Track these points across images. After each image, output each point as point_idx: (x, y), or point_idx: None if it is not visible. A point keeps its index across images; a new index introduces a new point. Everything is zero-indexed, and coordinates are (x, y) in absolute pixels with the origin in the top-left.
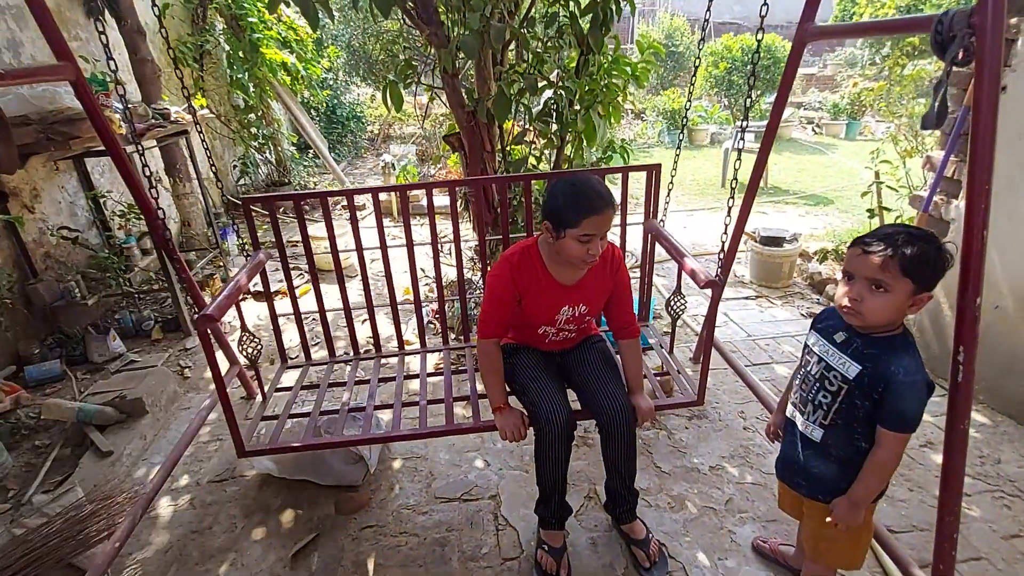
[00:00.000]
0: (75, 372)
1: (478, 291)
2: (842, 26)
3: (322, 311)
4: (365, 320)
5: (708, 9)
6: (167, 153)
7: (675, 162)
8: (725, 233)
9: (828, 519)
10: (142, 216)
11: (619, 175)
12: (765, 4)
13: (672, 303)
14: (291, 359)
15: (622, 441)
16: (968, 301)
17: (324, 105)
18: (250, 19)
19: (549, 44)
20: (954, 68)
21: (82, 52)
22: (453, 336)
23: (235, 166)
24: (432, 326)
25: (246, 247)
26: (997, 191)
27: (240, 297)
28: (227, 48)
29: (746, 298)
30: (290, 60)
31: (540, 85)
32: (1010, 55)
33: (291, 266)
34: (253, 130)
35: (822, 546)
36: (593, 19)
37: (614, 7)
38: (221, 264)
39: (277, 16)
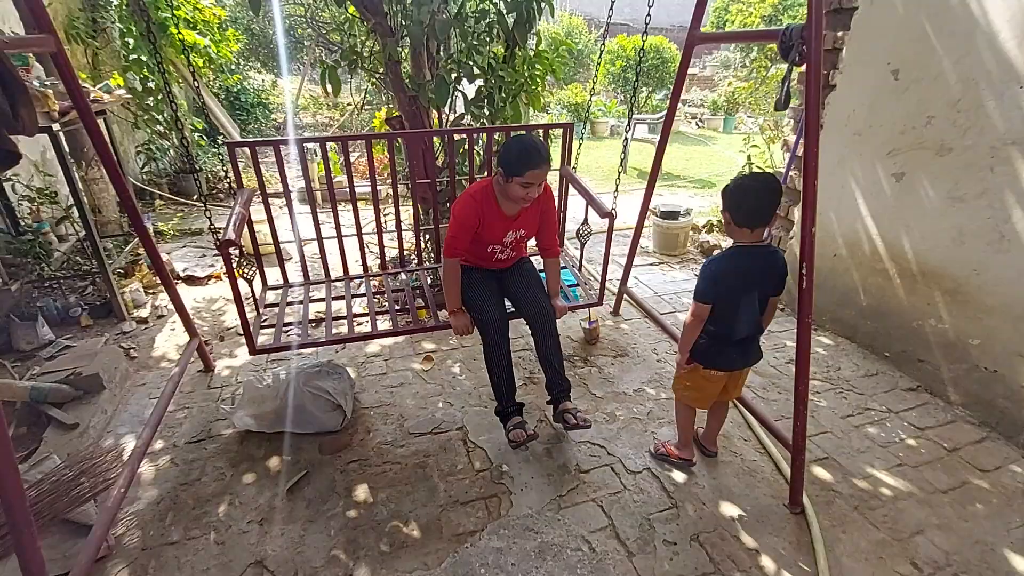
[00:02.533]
0: (3, 360)
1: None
2: (721, 33)
3: (295, 233)
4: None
5: (610, 10)
6: (72, 136)
7: (578, 153)
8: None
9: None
10: (55, 202)
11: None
12: (649, 13)
13: (580, 231)
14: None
15: (548, 335)
16: (806, 230)
17: (227, 91)
18: None
19: (480, 37)
20: (793, 67)
21: None
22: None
23: (138, 152)
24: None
25: (228, 182)
26: (831, 167)
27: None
28: (121, 27)
29: (651, 264)
30: (204, 42)
31: (475, 73)
32: (838, 60)
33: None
34: (155, 115)
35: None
36: (518, 16)
37: (535, 7)
38: (139, 251)
39: None
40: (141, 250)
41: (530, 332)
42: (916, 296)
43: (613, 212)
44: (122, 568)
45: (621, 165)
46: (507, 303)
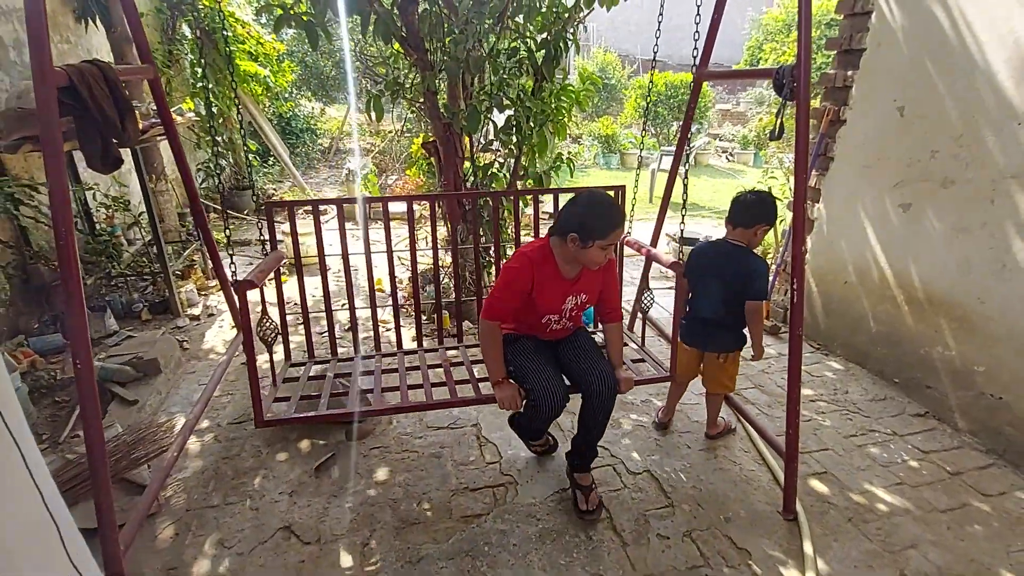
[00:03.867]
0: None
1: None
2: (725, 71)
3: (328, 309)
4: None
5: (655, 47)
6: (145, 152)
7: (632, 215)
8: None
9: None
10: (127, 209)
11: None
12: (656, 47)
13: (644, 299)
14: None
15: (604, 406)
16: (798, 249)
17: (280, 117)
18: (225, 32)
19: (511, 71)
20: (786, 103)
21: (72, 54)
22: (447, 336)
23: (198, 169)
24: (429, 326)
25: (265, 246)
26: (842, 197)
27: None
28: (191, 57)
29: (669, 288)
30: (264, 72)
31: (504, 104)
32: (848, 98)
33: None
34: (215, 136)
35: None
36: (546, 54)
37: (563, 45)
38: (194, 257)
39: (248, 31)
40: (196, 256)
41: (584, 407)
42: (924, 323)
43: (680, 262)
44: (169, 524)
45: (652, 200)
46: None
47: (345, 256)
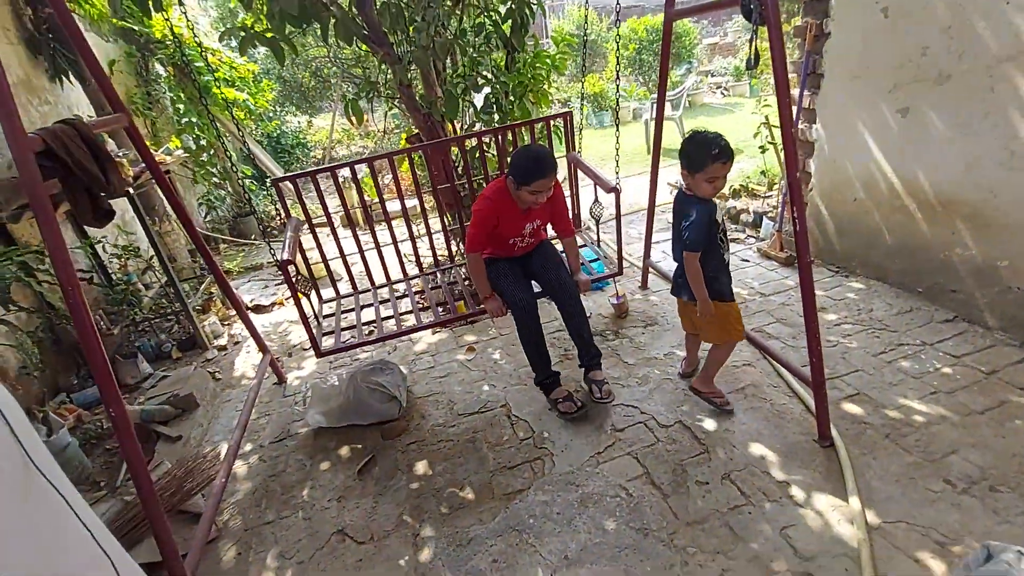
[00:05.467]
0: None
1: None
2: (692, 7)
3: (341, 253)
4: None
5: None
6: (144, 197)
7: (580, 138)
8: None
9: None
10: (138, 255)
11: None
12: None
13: (592, 209)
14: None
15: (573, 308)
16: (792, 175)
17: (268, 136)
18: (196, 64)
19: (480, 49)
20: (757, 27)
21: (53, 114)
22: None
23: (200, 203)
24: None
25: (279, 218)
26: (838, 113)
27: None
28: (170, 94)
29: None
30: (242, 97)
31: (480, 83)
32: (829, 9)
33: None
34: (210, 168)
35: (704, 328)
36: (513, 24)
37: (528, 11)
38: (212, 290)
39: (219, 58)
40: (213, 288)
41: (558, 309)
42: (939, 227)
43: (617, 187)
44: (230, 545)
45: (650, 150)
46: (535, 286)
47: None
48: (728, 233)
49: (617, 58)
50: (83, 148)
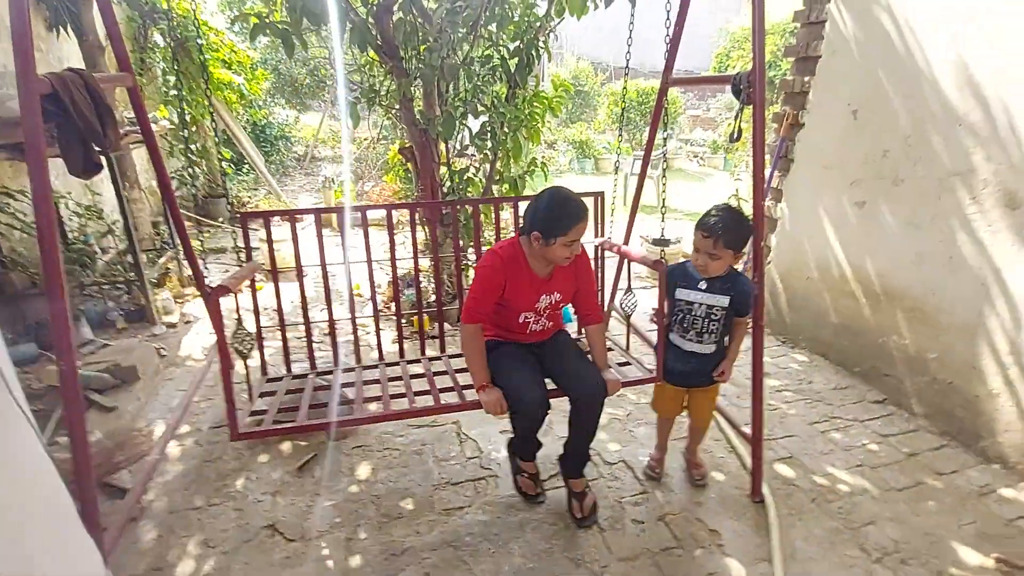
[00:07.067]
0: (49, 354)
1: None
2: (689, 78)
3: (306, 318)
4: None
5: (628, 55)
6: (119, 161)
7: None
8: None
9: (719, 376)
10: (100, 218)
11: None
12: (628, 54)
13: (624, 303)
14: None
15: (593, 411)
16: (757, 244)
17: (254, 124)
18: (198, 41)
19: (485, 78)
20: (744, 106)
21: (43, 62)
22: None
23: (172, 177)
24: (409, 328)
25: (239, 255)
26: (804, 197)
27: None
28: (163, 65)
29: (643, 288)
30: (237, 81)
31: (479, 109)
32: (806, 102)
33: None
34: (190, 145)
35: (706, 415)
36: (519, 61)
37: (535, 53)
38: (169, 265)
39: (220, 39)
40: (171, 264)
41: (571, 412)
42: (881, 315)
43: (664, 259)
44: (152, 527)
45: (626, 203)
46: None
47: (323, 262)
48: None
49: (622, 112)
50: (87, 98)
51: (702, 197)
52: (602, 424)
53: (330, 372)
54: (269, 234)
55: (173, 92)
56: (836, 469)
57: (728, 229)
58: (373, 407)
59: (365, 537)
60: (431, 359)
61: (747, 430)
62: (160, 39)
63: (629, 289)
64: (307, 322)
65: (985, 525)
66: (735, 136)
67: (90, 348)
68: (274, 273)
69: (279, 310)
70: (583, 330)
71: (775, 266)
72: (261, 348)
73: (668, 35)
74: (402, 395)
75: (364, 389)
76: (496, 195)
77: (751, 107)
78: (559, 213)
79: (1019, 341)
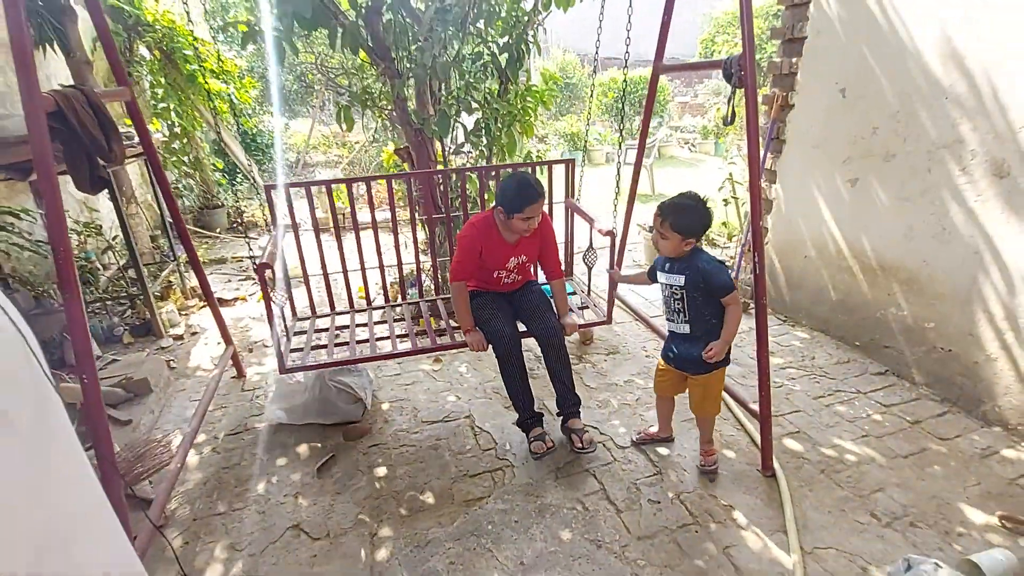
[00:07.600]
0: (60, 372)
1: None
2: (679, 64)
3: (325, 273)
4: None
5: (597, 42)
6: (116, 176)
7: (580, 186)
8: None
9: (705, 354)
10: (100, 234)
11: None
12: (627, 50)
13: (587, 256)
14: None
15: (556, 352)
16: (755, 224)
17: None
18: (185, 52)
19: (476, 75)
20: (736, 89)
21: None
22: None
23: None
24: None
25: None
26: (797, 177)
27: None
28: (150, 78)
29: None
30: (227, 89)
31: (473, 107)
32: (795, 83)
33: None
34: (182, 157)
35: (705, 404)
36: (509, 57)
37: (524, 48)
38: (171, 278)
39: (208, 49)
40: (173, 277)
41: (542, 352)
42: (877, 289)
43: (613, 230)
44: (177, 534)
45: (620, 194)
46: (520, 326)
47: (335, 224)
48: None
49: (622, 104)
50: (90, 114)
51: (694, 183)
52: (613, 409)
53: (346, 312)
54: (290, 203)
55: (162, 105)
56: (843, 440)
57: (676, 212)
58: (383, 346)
59: (389, 531)
60: (426, 300)
61: (755, 407)
62: (146, 52)
63: (591, 247)
64: (325, 273)
65: (989, 485)
66: (729, 119)
67: (99, 364)
68: (295, 232)
69: (301, 262)
70: (550, 283)
71: (772, 246)
72: (291, 295)
73: (662, 20)
74: (405, 336)
75: (375, 329)
76: (493, 192)
77: (743, 89)
78: (518, 194)
79: (1013, 306)
